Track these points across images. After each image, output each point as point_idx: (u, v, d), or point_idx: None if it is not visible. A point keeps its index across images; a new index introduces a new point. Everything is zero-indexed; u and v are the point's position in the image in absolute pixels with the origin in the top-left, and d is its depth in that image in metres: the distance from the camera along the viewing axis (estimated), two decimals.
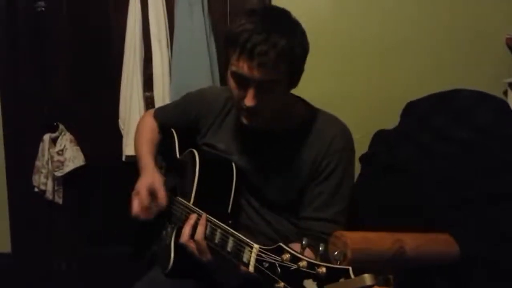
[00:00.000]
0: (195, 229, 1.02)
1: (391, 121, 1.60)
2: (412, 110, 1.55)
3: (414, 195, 1.35)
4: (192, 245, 1.02)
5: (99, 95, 2.23)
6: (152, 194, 1.18)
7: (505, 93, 1.81)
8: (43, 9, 2.15)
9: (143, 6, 2.02)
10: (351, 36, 1.96)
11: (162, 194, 1.17)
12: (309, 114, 1.19)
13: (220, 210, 1.09)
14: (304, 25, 1.03)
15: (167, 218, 1.23)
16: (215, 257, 1.00)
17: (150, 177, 1.21)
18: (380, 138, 1.61)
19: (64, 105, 2.23)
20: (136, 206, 1.18)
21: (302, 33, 1.06)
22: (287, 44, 0.98)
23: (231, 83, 1.06)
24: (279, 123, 1.16)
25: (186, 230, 1.03)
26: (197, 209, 1.08)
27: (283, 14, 1.07)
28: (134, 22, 2.02)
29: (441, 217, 1.24)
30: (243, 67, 1.00)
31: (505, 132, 1.34)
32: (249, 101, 1.02)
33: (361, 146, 1.64)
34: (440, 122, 1.42)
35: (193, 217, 1.04)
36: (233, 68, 1.02)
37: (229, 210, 1.13)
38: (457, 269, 1.13)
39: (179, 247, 1.07)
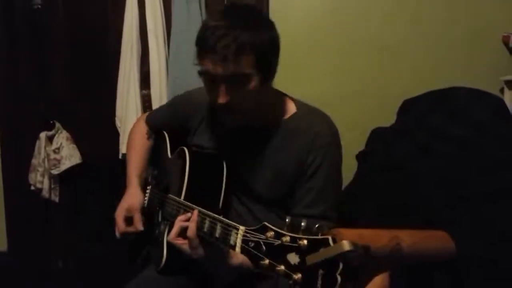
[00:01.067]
0: (184, 228, 1.02)
1: (389, 120, 1.60)
2: (408, 108, 1.55)
3: (411, 193, 1.35)
4: (178, 242, 1.03)
5: (96, 93, 2.22)
6: (130, 218, 1.28)
7: (502, 90, 1.82)
8: (39, 6, 2.14)
9: (140, 3, 2.02)
10: (349, 35, 1.96)
11: (136, 219, 1.27)
12: (294, 109, 1.19)
13: (211, 205, 1.09)
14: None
15: (160, 216, 1.24)
16: (206, 251, 1.00)
17: (128, 200, 1.30)
18: (377, 136, 1.61)
19: (61, 103, 2.23)
20: (116, 230, 1.30)
21: (267, 25, 1.07)
22: (250, 37, 0.99)
23: (204, 82, 1.09)
24: (264, 119, 1.16)
25: (174, 229, 1.04)
26: (187, 203, 1.09)
27: (247, 9, 1.09)
28: (131, 19, 2.02)
29: (438, 216, 1.24)
30: (208, 64, 1.02)
31: (501, 130, 1.35)
32: (221, 99, 1.04)
33: (358, 144, 1.65)
34: (436, 121, 1.42)
35: (182, 217, 1.04)
36: (202, 67, 1.05)
37: (220, 206, 1.14)
38: (455, 266, 1.14)
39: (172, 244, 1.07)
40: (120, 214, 1.29)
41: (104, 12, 2.17)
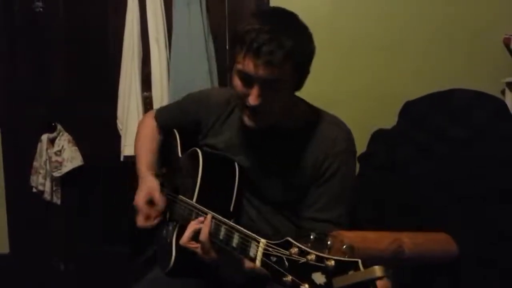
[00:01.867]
0: (197, 231, 1.02)
1: (389, 120, 1.60)
2: (409, 110, 1.56)
3: (412, 194, 1.36)
4: (191, 246, 1.03)
5: (97, 95, 2.22)
6: (151, 201, 1.23)
7: (503, 92, 1.82)
8: (41, 9, 2.15)
9: (141, 6, 2.02)
10: (349, 35, 1.96)
11: (157, 198, 1.22)
12: (312, 114, 1.19)
13: (223, 208, 1.09)
14: None
15: (168, 216, 1.23)
16: (219, 255, 1.00)
17: (145, 187, 1.26)
18: (379, 137, 1.61)
19: (62, 105, 2.23)
20: (139, 219, 1.24)
21: (309, 36, 1.08)
22: (294, 45, 1.00)
23: (236, 81, 1.07)
24: (284, 124, 1.16)
25: (187, 233, 1.03)
26: (200, 206, 1.08)
27: (291, 16, 1.09)
28: (132, 21, 2.02)
29: (439, 216, 1.25)
30: (249, 66, 1.01)
31: (501, 131, 1.35)
32: (253, 100, 1.03)
33: (358, 144, 1.65)
34: (437, 122, 1.43)
35: (196, 221, 1.04)
36: (239, 67, 1.03)
37: (231, 209, 1.13)
38: (457, 267, 1.14)
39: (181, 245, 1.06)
40: (140, 199, 1.24)
41: (105, 13, 2.17)
